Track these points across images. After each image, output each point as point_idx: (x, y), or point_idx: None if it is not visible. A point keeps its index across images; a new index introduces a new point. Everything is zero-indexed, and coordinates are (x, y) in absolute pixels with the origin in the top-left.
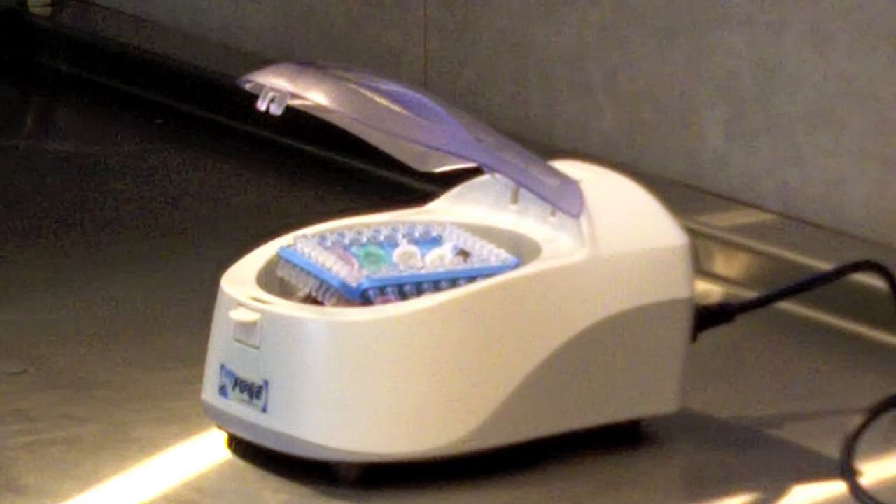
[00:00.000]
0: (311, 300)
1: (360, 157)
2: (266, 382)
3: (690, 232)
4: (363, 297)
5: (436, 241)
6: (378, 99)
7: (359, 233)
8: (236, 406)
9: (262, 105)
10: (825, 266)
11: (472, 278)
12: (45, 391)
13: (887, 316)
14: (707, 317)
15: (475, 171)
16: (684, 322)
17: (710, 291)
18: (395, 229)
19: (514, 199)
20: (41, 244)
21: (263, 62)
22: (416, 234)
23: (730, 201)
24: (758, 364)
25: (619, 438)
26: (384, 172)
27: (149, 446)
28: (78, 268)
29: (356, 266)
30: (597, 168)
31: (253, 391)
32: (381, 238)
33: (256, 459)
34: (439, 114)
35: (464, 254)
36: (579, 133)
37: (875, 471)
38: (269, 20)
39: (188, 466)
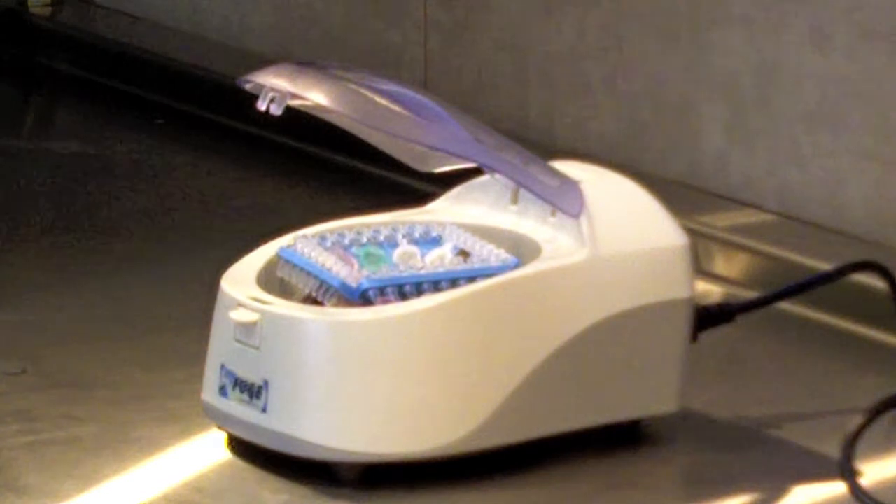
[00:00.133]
0: (311, 300)
1: (360, 157)
2: (266, 382)
3: (690, 232)
4: (363, 298)
5: (436, 242)
6: (378, 99)
7: (359, 233)
8: (236, 406)
9: (262, 105)
10: (825, 266)
11: (472, 278)
12: (45, 391)
13: (887, 316)
14: (707, 317)
15: (475, 171)
16: (684, 322)
17: (710, 291)
18: (395, 229)
19: (514, 200)
20: (41, 244)
21: (263, 62)
22: (416, 235)
23: (730, 201)
24: (758, 364)
25: (619, 438)
26: (384, 172)
27: (149, 446)
28: (78, 268)
29: (356, 266)
30: (597, 168)
31: (253, 391)
32: (381, 238)
33: (256, 459)
34: (439, 114)
35: (464, 254)
36: (579, 133)
37: (875, 471)
38: (269, 20)
39: (188, 466)
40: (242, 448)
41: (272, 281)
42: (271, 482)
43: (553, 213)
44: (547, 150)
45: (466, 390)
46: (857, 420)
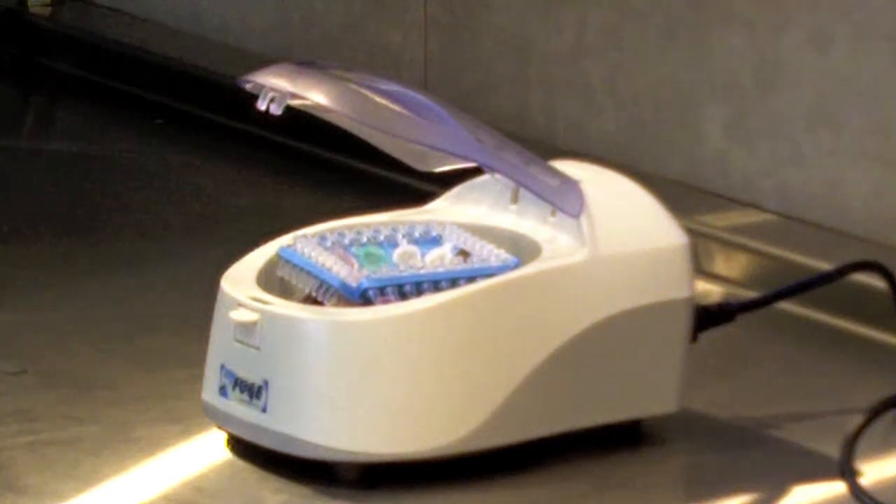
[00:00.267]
0: (311, 300)
1: (360, 157)
2: (266, 382)
3: (690, 232)
4: (363, 297)
5: (436, 241)
6: (378, 99)
7: (359, 233)
8: (236, 406)
9: (262, 105)
10: (825, 266)
11: (472, 278)
12: (45, 391)
13: (887, 316)
14: (707, 317)
15: (475, 171)
16: (684, 322)
17: (710, 291)
18: (395, 229)
19: (514, 199)
20: (41, 244)
21: (263, 62)
22: (416, 234)
23: (730, 201)
24: (758, 364)
25: (619, 438)
26: (384, 172)
27: (149, 446)
28: (78, 268)
29: (356, 266)
30: (597, 168)
31: (253, 391)
32: (381, 238)
33: (256, 459)
34: (439, 114)
35: (464, 254)
36: (579, 133)
37: (875, 471)
38: (269, 20)
39: (188, 466)
40: (242, 448)
41: (272, 281)
42: (271, 482)
43: (553, 213)
44: (547, 150)
45: (466, 390)
46: (857, 420)
